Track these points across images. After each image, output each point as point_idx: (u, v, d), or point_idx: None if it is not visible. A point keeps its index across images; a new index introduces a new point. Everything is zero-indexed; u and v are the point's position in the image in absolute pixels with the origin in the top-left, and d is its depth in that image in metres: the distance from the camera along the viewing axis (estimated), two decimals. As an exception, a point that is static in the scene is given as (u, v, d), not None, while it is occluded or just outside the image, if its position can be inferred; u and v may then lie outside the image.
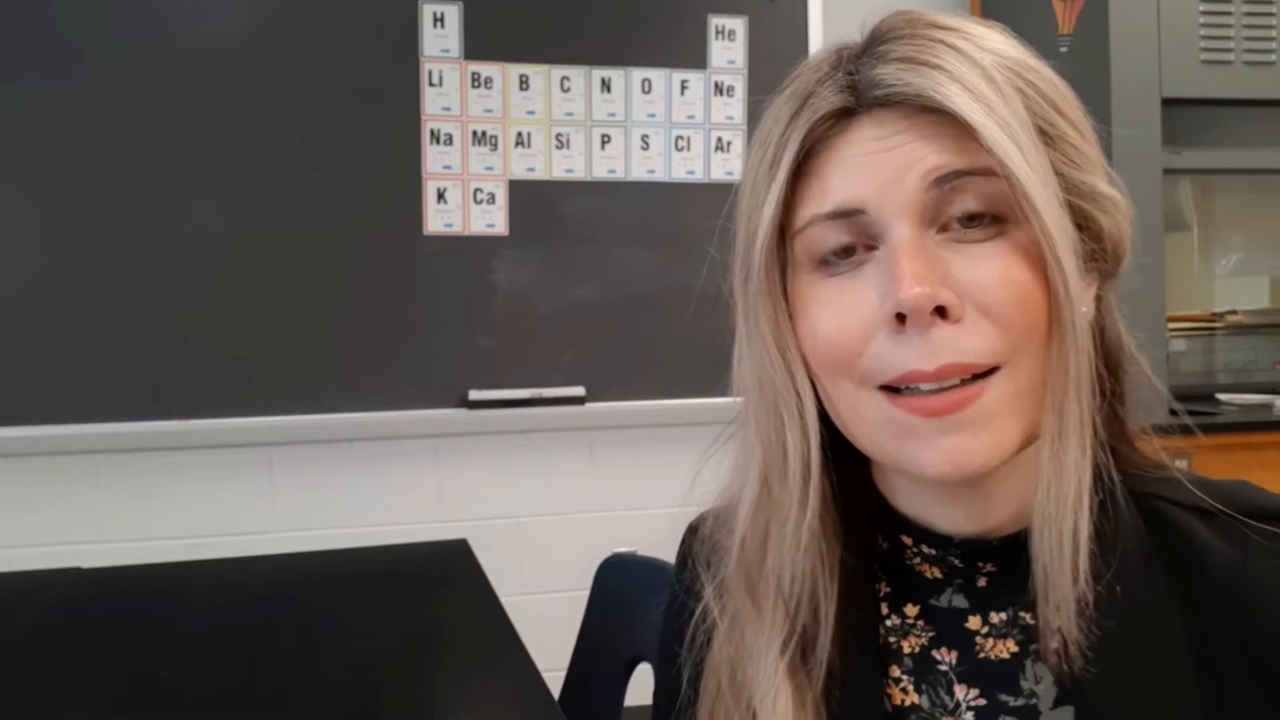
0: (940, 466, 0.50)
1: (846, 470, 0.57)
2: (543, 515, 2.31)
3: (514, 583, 2.13)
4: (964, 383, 0.49)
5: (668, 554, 1.26)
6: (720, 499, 0.63)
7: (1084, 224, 0.51)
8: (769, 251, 0.53)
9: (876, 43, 0.52)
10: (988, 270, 0.49)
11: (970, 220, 0.50)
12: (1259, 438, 2.07)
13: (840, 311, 0.51)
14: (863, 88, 0.50)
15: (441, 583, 1.53)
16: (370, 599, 1.44)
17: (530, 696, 1.07)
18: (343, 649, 1.23)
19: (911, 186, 0.49)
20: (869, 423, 0.52)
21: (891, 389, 0.51)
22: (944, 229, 0.50)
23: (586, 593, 1.41)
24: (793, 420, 0.54)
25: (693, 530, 0.67)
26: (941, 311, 0.48)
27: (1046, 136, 0.50)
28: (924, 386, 0.50)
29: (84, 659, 1.20)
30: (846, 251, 0.52)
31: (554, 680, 1.20)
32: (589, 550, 1.51)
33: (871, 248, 0.51)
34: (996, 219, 0.50)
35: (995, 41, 0.51)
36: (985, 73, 0.49)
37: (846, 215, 0.51)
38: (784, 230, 0.54)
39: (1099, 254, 0.53)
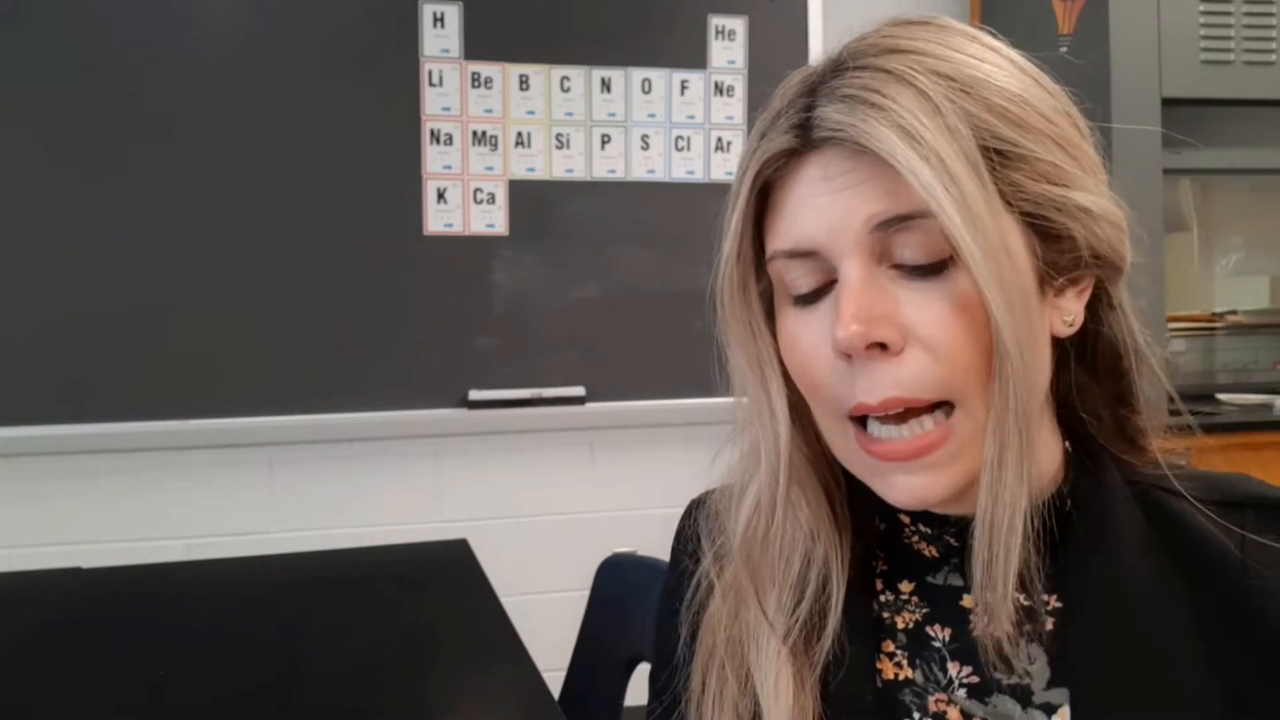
0: (905, 501, 0.53)
1: None
2: (543, 515, 2.31)
3: (514, 583, 2.13)
4: (918, 414, 0.51)
5: (667, 554, 1.26)
6: (727, 478, 0.65)
7: (1059, 235, 0.52)
8: (737, 280, 0.56)
9: (834, 73, 0.52)
10: (933, 311, 0.50)
11: (917, 255, 0.51)
12: (1259, 438, 2.07)
13: (805, 343, 0.54)
14: (811, 127, 0.52)
15: (441, 583, 1.53)
16: (370, 599, 1.44)
17: (530, 696, 1.07)
18: (342, 649, 1.23)
19: (856, 229, 0.51)
20: (841, 449, 0.56)
21: (860, 422, 0.54)
22: (894, 264, 0.51)
23: (586, 593, 1.41)
24: (766, 433, 0.57)
25: (697, 504, 0.69)
26: (883, 346, 0.50)
27: (1004, 158, 0.50)
28: (874, 417, 0.52)
29: (84, 659, 1.20)
30: (814, 293, 0.54)
31: (554, 680, 1.20)
32: (589, 550, 1.51)
33: (832, 280, 0.53)
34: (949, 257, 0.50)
35: (960, 60, 0.51)
36: (931, 105, 0.49)
37: (803, 255, 0.53)
38: (765, 250, 0.56)
39: (1085, 262, 0.53)
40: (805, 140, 0.52)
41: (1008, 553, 0.50)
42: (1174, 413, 0.60)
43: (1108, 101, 2.07)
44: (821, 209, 0.52)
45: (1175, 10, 2.13)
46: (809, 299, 0.54)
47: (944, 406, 0.52)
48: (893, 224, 0.50)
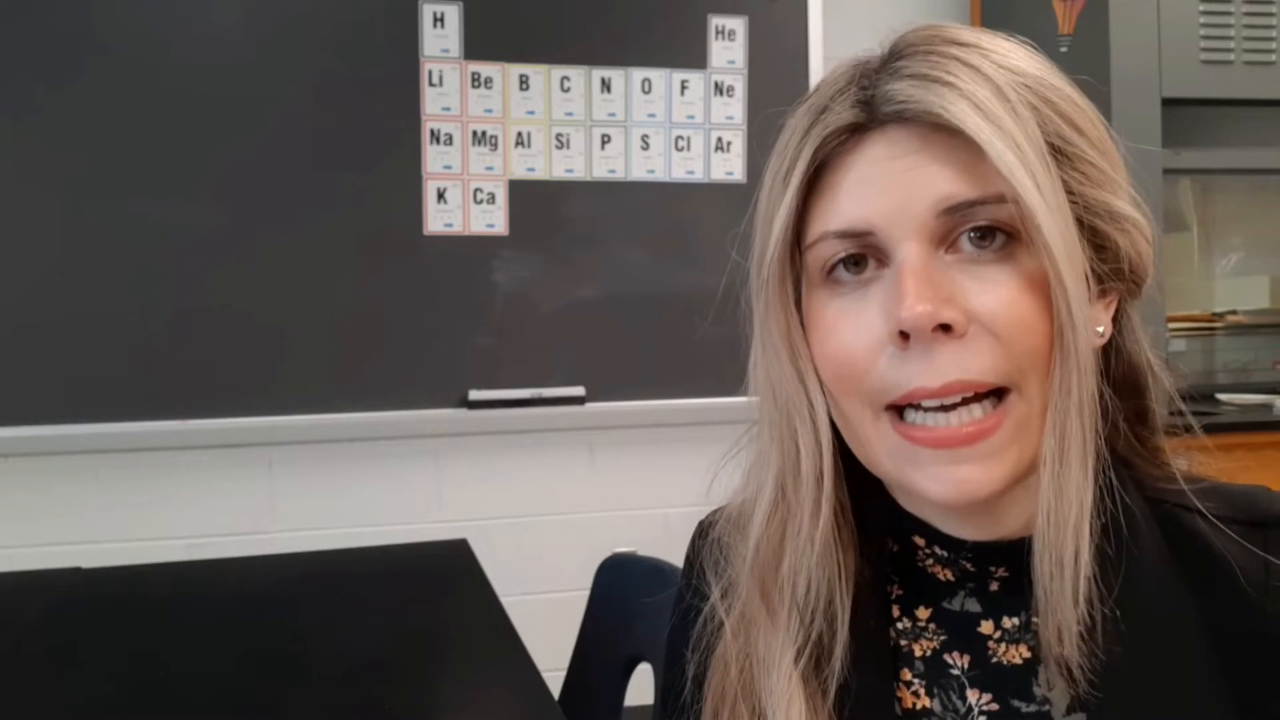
0: (947, 495, 0.50)
1: (857, 473, 0.57)
2: (543, 515, 2.30)
3: (514, 583, 2.13)
4: (969, 402, 0.50)
5: (668, 554, 1.27)
6: (732, 501, 0.63)
7: (1101, 243, 0.51)
8: (780, 263, 0.54)
9: (894, 58, 0.52)
10: (996, 294, 0.49)
11: (981, 240, 0.50)
12: (1259, 438, 2.07)
13: (848, 331, 0.52)
14: (876, 103, 0.51)
15: (441, 583, 1.53)
16: (370, 599, 1.44)
17: (530, 696, 1.07)
18: (343, 649, 1.23)
19: (921, 213, 0.50)
20: (876, 445, 0.53)
21: (898, 413, 0.51)
22: (954, 248, 0.50)
23: (586, 593, 1.41)
24: (805, 429, 0.55)
25: (701, 532, 0.67)
26: (946, 328, 0.49)
27: (1062, 155, 0.50)
28: (927, 404, 0.50)
29: (84, 659, 1.20)
30: (856, 264, 0.52)
31: (554, 680, 1.20)
32: (589, 550, 1.51)
33: (881, 265, 0.52)
34: (1009, 238, 0.50)
35: (1014, 58, 0.51)
36: (999, 90, 0.49)
37: (856, 236, 0.51)
38: (799, 240, 0.54)
39: (1117, 274, 0.52)
40: (871, 115, 0.51)
41: (1076, 554, 0.49)
42: (1174, 412, 0.59)
43: (1108, 101, 2.07)
44: (884, 189, 0.50)
45: (1175, 10, 2.13)
46: (849, 286, 0.52)
47: (996, 394, 0.50)
48: (961, 209, 0.49)
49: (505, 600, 1.36)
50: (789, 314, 0.55)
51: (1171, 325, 2.36)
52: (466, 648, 1.25)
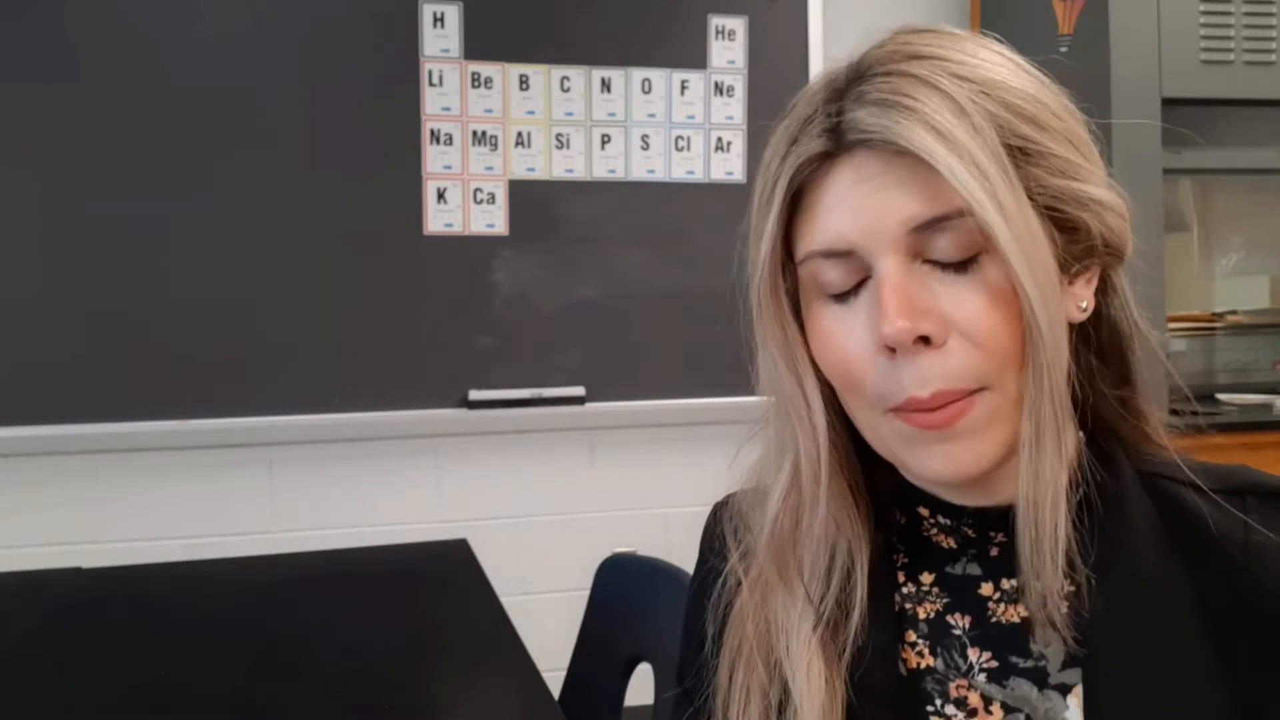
0: (941, 470, 0.55)
1: (867, 450, 0.60)
2: (543, 515, 2.31)
3: (514, 583, 2.13)
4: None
5: (667, 554, 1.27)
6: (749, 480, 0.67)
7: (1073, 226, 0.54)
8: (772, 279, 0.58)
9: (858, 80, 0.55)
10: (971, 304, 0.52)
11: (952, 251, 0.53)
12: (1259, 438, 2.07)
13: (841, 341, 0.56)
14: (842, 131, 0.54)
15: (441, 583, 1.53)
16: (370, 599, 1.44)
17: (530, 696, 1.07)
18: (343, 649, 1.23)
19: (893, 230, 0.53)
20: (880, 435, 0.57)
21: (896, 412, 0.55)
22: (929, 259, 0.53)
23: (586, 593, 1.41)
24: (804, 428, 0.59)
25: (721, 505, 0.71)
26: (926, 339, 0.52)
27: (1024, 154, 0.53)
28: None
29: (84, 659, 1.20)
30: (846, 291, 0.56)
31: (554, 680, 1.21)
32: (589, 550, 1.51)
33: (867, 278, 0.55)
34: (978, 248, 0.53)
35: (975, 64, 0.54)
36: (957, 106, 0.51)
37: (838, 254, 0.55)
38: (793, 253, 0.58)
39: (1091, 251, 0.56)
40: (838, 143, 0.54)
41: (1055, 529, 0.53)
42: (1175, 412, 0.61)
43: (1108, 101, 2.07)
44: (856, 211, 0.54)
45: (1175, 10, 2.13)
46: (842, 297, 0.56)
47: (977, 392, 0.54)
48: (929, 225, 0.52)
49: (505, 600, 1.37)
50: (785, 325, 0.59)
51: (1171, 325, 2.36)
52: (466, 648, 1.25)
